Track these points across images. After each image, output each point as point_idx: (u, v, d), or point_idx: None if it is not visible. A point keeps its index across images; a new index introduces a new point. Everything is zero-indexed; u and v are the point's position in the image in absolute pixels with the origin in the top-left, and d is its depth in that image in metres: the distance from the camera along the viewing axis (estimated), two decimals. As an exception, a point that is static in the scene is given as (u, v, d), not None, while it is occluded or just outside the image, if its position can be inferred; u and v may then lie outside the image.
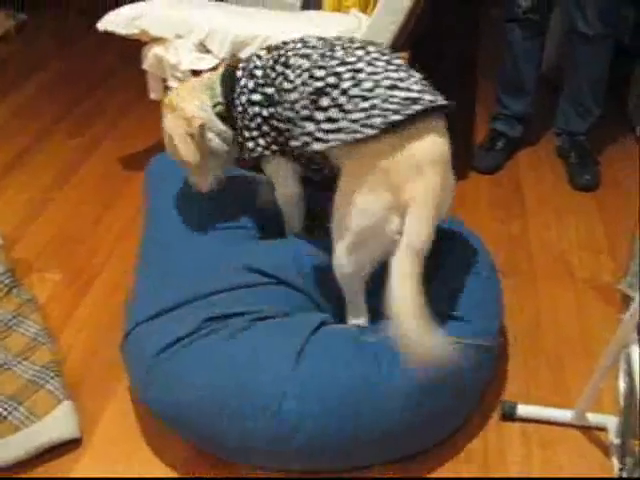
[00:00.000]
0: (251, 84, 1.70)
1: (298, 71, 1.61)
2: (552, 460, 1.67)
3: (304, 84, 1.58)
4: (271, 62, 1.69)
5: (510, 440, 1.72)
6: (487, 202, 2.60)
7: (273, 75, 1.67)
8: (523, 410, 1.75)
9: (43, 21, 4.29)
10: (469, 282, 1.81)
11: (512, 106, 2.82)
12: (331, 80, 1.54)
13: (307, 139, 1.58)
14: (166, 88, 2.38)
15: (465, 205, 2.56)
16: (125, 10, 2.31)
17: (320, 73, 1.56)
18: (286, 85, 1.63)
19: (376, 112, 1.47)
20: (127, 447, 1.70)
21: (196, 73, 2.25)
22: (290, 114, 1.62)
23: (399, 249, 1.45)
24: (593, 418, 1.72)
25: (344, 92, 1.51)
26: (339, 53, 1.59)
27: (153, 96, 2.52)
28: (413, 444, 1.66)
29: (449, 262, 1.83)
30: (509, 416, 1.75)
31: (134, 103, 3.22)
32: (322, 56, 1.60)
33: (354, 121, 1.49)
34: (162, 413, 1.64)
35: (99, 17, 2.43)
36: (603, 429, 1.70)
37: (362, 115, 1.48)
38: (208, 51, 2.25)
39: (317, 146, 1.56)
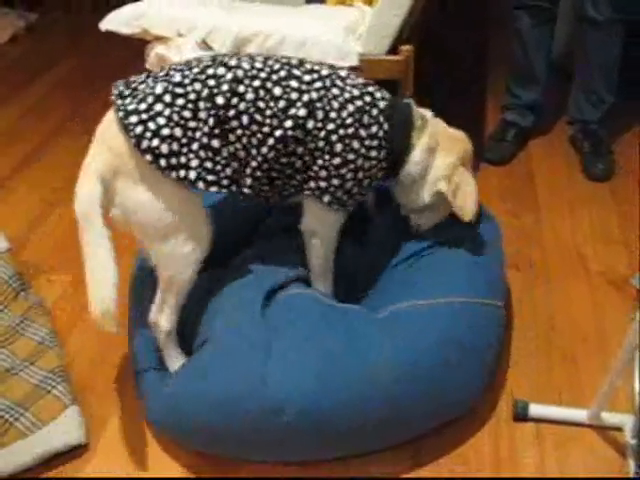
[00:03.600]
0: None
1: None
2: (566, 461, 1.64)
3: None
4: None
5: (523, 440, 1.69)
6: (498, 194, 2.56)
7: None
8: (536, 410, 1.72)
9: (53, 21, 4.29)
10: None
11: (523, 96, 2.77)
12: None
13: None
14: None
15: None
16: (126, 9, 2.29)
17: None
18: None
19: None
20: (134, 451, 1.69)
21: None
22: None
23: None
24: (608, 418, 1.68)
25: None
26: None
27: (158, 95, 2.49)
28: (412, 422, 1.64)
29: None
30: (521, 416, 1.72)
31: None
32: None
33: None
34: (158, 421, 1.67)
35: (108, 16, 2.41)
36: (619, 429, 1.66)
37: None
38: (210, 48, 2.22)
39: None
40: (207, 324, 1.72)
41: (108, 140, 1.58)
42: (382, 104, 1.68)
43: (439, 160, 1.74)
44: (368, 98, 1.67)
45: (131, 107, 1.53)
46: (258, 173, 1.62)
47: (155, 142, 1.51)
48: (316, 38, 2.18)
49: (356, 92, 1.66)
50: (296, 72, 1.63)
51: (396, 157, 1.71)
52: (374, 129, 1.66)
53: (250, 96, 1.58)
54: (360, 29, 2.27)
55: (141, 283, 1.93)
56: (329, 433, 1.56)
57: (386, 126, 1.67)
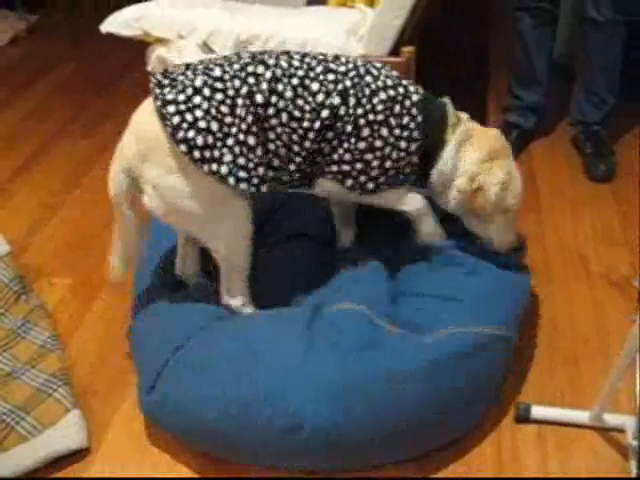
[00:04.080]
0: None
1: None
2: (568, 462, 1.63)
3: None
4: None
5: (525, 442, 1.68)
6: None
7: None
8: (538, 412, 1.71)
9: (54, 23, 4.30)
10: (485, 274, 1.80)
11: (525, 97, 2.77)
12: None
13: None
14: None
15: (478, 200, 2.52)
16: (127, 11, 2.29)
17: None
18: None
19: None
20: (136, 454, 1.68)
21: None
22: None
23: None
24: (610, 419, 1.67)
25: None
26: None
27: (159, 97, 2.49)
28: (427, 440, 1.63)
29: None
30: (523, 418, 1.71)
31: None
32: None
33: None
34: (166, 420, 1.65)
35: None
36: (621, 430, 1.65)
37: None
38: (211, 50, 2.22)
39: None
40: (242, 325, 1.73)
41: (140, 128, 1.62)
42: (415, 97, 1.69)
43: (467, 155, 1.72)
44: (402, 89, 1.69)
45: (170, 97, 1.56)
46: (303, 167, 1.67)
47: (191, 134, 1.54)
48: (317, 40, 2.18)
49: (390, 82, 1.68)
50: (332, 66, 1.67)
51: (428, 151, 1.70)
52: (405, 120, 1.67)
53: (289, 94, 1.62)
54: (361, 30, 2.27)
55: (144, 284, 1.95)
56: (342, 448, 1.55)
57: (419, 119, 1.68)
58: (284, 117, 1.61)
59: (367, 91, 1.65)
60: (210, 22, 2.22)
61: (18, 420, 1.68)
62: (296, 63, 1.66)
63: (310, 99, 1.62)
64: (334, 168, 1.69)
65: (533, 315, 2.03)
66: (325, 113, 1.63)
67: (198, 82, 1.58)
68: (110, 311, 2.11)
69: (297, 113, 1.62)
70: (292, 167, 1.67)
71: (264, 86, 1.60)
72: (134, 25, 2.27)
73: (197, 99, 1.56)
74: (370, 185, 1.70)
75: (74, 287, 2.21)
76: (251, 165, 1.60)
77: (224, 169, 1.56)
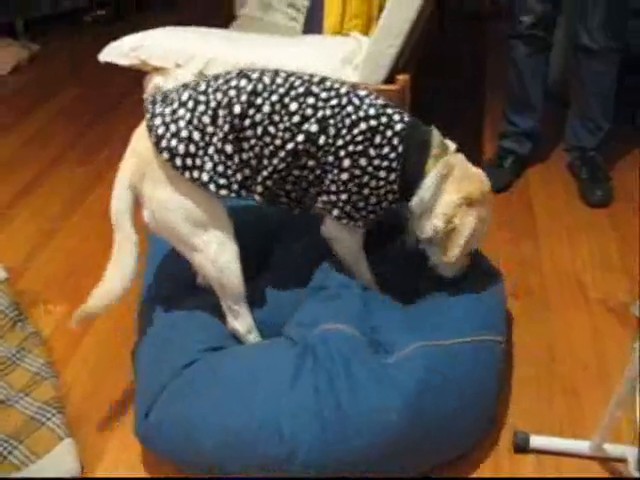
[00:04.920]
0: None
1: None
2: (567, 492, 1.62)
3: None
4: None
5: (524, 472, 1.66)
6: (497, 222, 2.53)
7: None
8: (537, 441, 1.70)
9: (55, 51, 4.34)
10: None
11: (520, 123, 2.78)
12: None
13: None
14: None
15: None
16: (125, 41, 2.31)
17: None
18: None
19: None
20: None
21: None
22: None
23: None
24: (611, 449, 1.65)
25: None
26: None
27: (156, 125, 2.50)
28: (417, 459, 1.62)
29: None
30: (522, 447, 1.69)
31: (141, 130, 3.22)
32: None
33: None
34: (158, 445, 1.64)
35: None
36: (622, 461, 1.63)
37: None
38: (208, 79, 2.24)
39: None
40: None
41: (137, 145, 1.69)
42: (399, 126, 1.68)
43: (445, 196, 1.70)
44: (384, 119, 1.67)
45: (158, 110, 1.66)
46: (268, 182, 1.67)
47: (173, 142, 1.61)
48: (313, 68, 2.18)
49: (372, 111, 1.67)
50: (314, 89, 1.67)
51: (408, 181, 1.70)
52: (386, 150, 1.66)
53: (266, 109, 1.64)
54: (357, 59, 2.29)
55: (147, 308, 1.94)
56: (334, 472, 1.55)
57: (400, 149, 1.67)
58: (259, 130, 1.64)
59: (347, 121, 1.64)
60: (207, 51, 2.24)
61: (11, 449, 1.66)
62: (279, 80, 1.67)
63: (286, 118, 1.64)
64: (324, 197, 1.70)
65: (531, 342, 2.02)
66: (300, 138, 1.63)
67: (184, 96, 1.66)
68: (105, 339, 2.10)
69: (272, 129, 1.64)
70: (259, 179, 1.67)
71: (243, 98, 1.64)
72: (132, 54, 2.29)
73: (181, 111, 1.64)
74: (356, 215, 1.71)
75: (70, 314, 2.17)
76: (229, 172, 1.65)
77: (205, 176, 1.63)
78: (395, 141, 1.67)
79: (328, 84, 1.70)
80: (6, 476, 1.61)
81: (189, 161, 1.62)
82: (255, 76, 1.68)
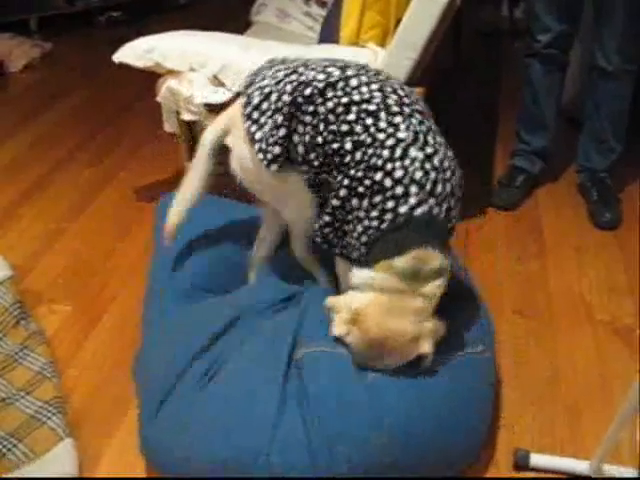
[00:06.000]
0: None
1: None
2: (567, 514, 1.61)
3: None
4: None
5: (523, 491, 1.66)
6: (505, 240, 2.55)
7: None
8: (537, 459, 1.69)
9: (68, 50, 4.36)
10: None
11: (532, 142, 2.77)
12: None
13: None
14: (179, 121, 2.38)
15: (482, 242, 2.51)
16: (140, 42, 2.31)
17: None
18: None
19: None
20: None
21: (210, 107, 2.25)
22: None
23: None
24: (611, 470, 1.64)
25: None
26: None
27: (167, 128, 2.51)
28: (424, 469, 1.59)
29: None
30: (522, 466, 1.69)
31: (152, 134, 3.22)
32: None
33: None
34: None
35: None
36: (621, 482, 1.63)
37: None
38: (222, 84, 2.24)
39: None
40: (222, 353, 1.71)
41: (231, 109, 1.83)
42: (403, 209, 1.58)
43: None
44: (400, 190, 1.58)
45: (248, 81, 1.80)
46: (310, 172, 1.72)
47: (248, 109, 1.73)
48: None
49: (399, 174, 1.58)
50: (382, 115, 1.62)
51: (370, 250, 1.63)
52: (375, 213, 1.60)
53: (330, 105, 1.64)
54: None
55: (152, 305, 1.95)
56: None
57: (385, 226, 1.59)
58: (307, 119, 1.66)
59: (374, 161, 1.60)
60: (222, 56, 2.24)
61: (10, 447, 1.66)
62: (364, 89, 1.66)
63: (338, 122, 1.64)
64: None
65: (535, 360, 2.01)
66: (335, 146, 1.64)
67: (274, 72, 1.76)
68: (109, 340, 2.10)
69: (321, 126, 1.64)
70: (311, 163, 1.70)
71: (320, 85, 1.66)
72: (146, 56, 2.29)
73: (265, 82, 1.74)
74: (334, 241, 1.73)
75: (74, 314, 2.20)
76: (270, 140, 1.69)
77: (259, 135, 1.71)
78: (395, 215, 1.59)
79: (397, 120, 1.62)
80: (6, 476, 1.60)
81: (254, 128, 1.71)
82: (350, 73, 1.69)
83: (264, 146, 1.69)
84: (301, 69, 1.72)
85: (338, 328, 1.60)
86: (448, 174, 1.62)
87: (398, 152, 1.59)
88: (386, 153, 1.60)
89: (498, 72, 3.96)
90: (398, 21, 2.28)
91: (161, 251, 2.05)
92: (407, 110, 1.65)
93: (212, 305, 1.87)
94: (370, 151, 1.61)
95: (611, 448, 1.57)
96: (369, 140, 1.61)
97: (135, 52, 2.31)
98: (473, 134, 3.25)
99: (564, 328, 2.14)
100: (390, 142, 1.60)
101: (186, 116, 2.30)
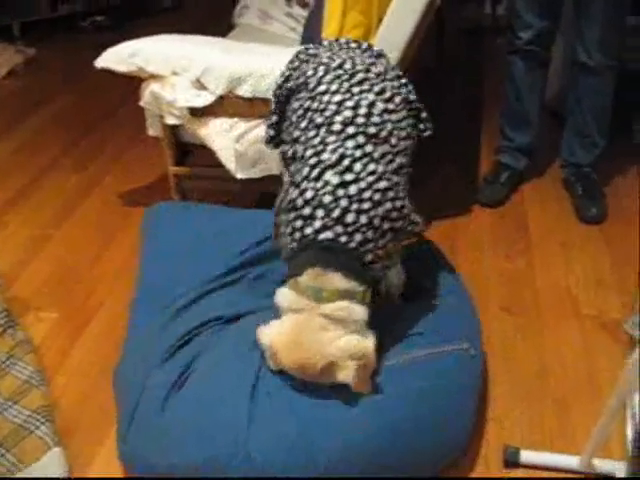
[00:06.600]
0: None
1: None
2: (558, 509, 1.61)
3: None
4: None
5: (513, 487, 1.66)
6: (491, 236, 2.55)
7: None
8: (527, 456, 1.69)
9: (51, 56, 4.34)
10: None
11: (516, 138, 2.78)
12: None
13: None
14: (163, 125, 2.37)
15: (468, 239, 2.52)
16: (122, 47, 2.30)
17: None
18: None
19: None
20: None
21: (193, 110, 2.24)
22: None
23: None
24: (601, 465, 1.65)
25: None
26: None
27: (151, 133, 2.50)
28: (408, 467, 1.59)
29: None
30: (512, 462, 1.69)
31: (136, 139, 3.21)
32: None
33: None
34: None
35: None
36: (611, 477, 1.63)
37: None
38: (205, 88, 2.23)
39: None
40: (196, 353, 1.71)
41: None
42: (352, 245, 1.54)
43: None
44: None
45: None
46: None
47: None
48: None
49: (366, 205, 1.54)
50: (370, 129, 1.59)
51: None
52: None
53: (295, 105, 1.70)
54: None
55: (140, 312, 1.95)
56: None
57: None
58: (300, 102, 1.69)
59: (298, 179, 1.60)
60: (204, 59, 2.23)
61: (-2, 457, 1.65)
62: (365, 86, 1.64)
63: (322, 108, 1.64)
64: None
65: (523, 356, 2.02)
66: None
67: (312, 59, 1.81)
68: (96, 347, 2.09)
69: (315, 104, 1.64)
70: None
71: (321, 70, 1.70)
72: (129, 60, 2.28)
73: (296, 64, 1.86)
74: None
75: (61, 322, 2.19)
76: (267, 123, 1.86)
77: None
78: (302, 235, 1.56)
79: (330, 139, 1.57)
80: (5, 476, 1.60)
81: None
82: (329, 77, 1.67)
83: (265, 127, 1.87)
84: (322, 55, 1.79)
85: (270, 363, 1.59)
86: (366, 205, 1.53)
87: (315, 173, 1.55)
88: (306, 171, 1.56)
89: (481, 69, 3.97)
90: (380, 21, 2.28)
91: (146, 263, 2.05)
92: (351, 131, 1.57)
93: (179, 317, 1.87)
94: (299, 166, 1.59)
95: (601, 442, 1.58)
96: (300, 153, 1.60)
97: (117, 57, 2.30)
98: (457, 132, 3.26)
99: (552, 323, 2.15)
100: (312, 161, 1.56)
101: (170, 120, 2.29)
